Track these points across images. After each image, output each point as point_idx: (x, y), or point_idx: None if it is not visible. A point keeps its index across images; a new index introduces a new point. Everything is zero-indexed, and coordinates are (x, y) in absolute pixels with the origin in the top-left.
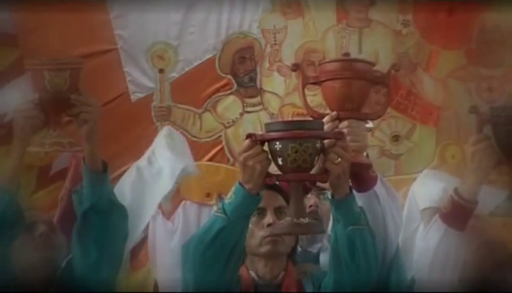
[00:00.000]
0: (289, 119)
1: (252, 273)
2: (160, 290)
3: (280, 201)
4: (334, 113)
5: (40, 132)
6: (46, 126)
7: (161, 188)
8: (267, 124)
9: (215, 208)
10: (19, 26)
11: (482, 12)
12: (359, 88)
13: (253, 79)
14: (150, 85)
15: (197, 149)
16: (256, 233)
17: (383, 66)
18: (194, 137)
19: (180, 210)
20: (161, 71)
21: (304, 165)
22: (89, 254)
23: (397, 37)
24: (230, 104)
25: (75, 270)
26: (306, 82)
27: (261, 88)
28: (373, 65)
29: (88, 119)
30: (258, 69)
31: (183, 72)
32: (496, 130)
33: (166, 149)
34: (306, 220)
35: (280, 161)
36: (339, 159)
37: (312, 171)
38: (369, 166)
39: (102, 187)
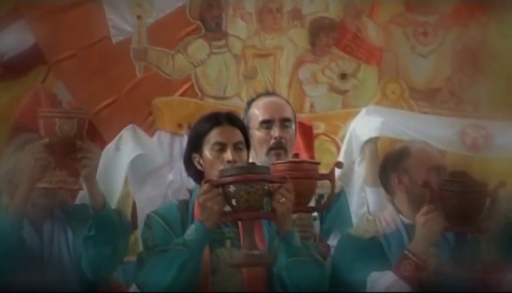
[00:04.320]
0: (241, 165)
1: None
2: (137, 209)
3: (239, 136)
4: None
5: (48, 171)
6: (53, 166)
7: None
8: (221, 171)
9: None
10: None
11: None
12: (306, 186)
13: (219, 25)
14: (129, 29)
15: (170, 86)
16: (217, 166)
17: (331, 12)
18: (167, 75)
19: (155, 138)
20: (139, 17)
21: (255, 205)
22: (88, 250)
23: None
24: (198, 46)
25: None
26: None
27: (226, 32)
28: (318, 163)
29: (87, 165)
30: (223, 15)
31: (158, 18)
32: (444, 202)
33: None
34: (258, 252)
35: (233, 202)
36: (284, 199)
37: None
38: None
39: (103, 221)
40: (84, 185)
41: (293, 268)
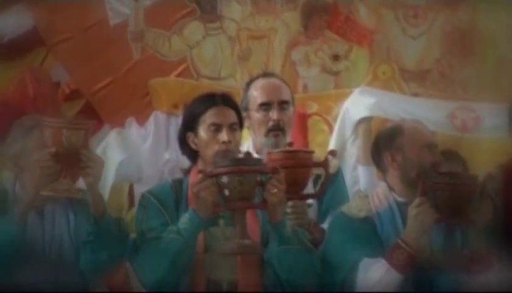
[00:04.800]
0: (235, 157)
1: None
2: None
3: (234, 117)
4: None
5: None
6: (59, 174)
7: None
8: (215, 161)
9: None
10: None
11: None
12: (301, 174)
13: (214, 7)
14: (127, 11)
15: (166, 67)
16: (212, 146)
17: None
18: (163, 56)
19: (151, 118)
20: None
21: (247, 195)
22: (85, 254)
23: None
24: (194, 28)
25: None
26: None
27: (221, 15)
28: (312, 152)
29: (90, 174)
30: None
31: (155, 0)
32: (436, 195)
33: (115, 146)
34: (249, 242)
35: (227, 192)
36: (275, 190)
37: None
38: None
39: (102, 228)
40: (88, 193)
41: (283, 257)
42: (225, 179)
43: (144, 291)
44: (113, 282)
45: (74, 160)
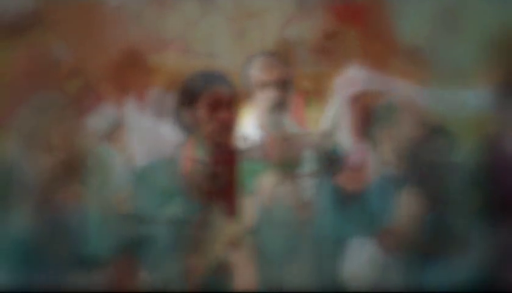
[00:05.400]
0: (228, 148)
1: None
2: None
3: (230, 95)
4: None
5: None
6: (67, 179)
7: None
8: (210, 150)
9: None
10: None
11: None
12: (296, 155)
13: None
14: None
15: (164, 45)
16: (209, 124)
17: None
18: (161, 34)
19: (149, 95)
20: None
21: (239, 183)
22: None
23: None
24: (191, 7)
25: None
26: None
27: None
28: (307, 133)
29: (96, 178)
30: None
31: None
32: (425, 182)
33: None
34: (240, 228)
35: (219, 180)
36: (267, 177)
37: None
38: None
39: (105, 227)
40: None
41: (275, 241)
42: (218, 168)
43: (149, 280)
44: (119, 274)
45: (80, 165)
